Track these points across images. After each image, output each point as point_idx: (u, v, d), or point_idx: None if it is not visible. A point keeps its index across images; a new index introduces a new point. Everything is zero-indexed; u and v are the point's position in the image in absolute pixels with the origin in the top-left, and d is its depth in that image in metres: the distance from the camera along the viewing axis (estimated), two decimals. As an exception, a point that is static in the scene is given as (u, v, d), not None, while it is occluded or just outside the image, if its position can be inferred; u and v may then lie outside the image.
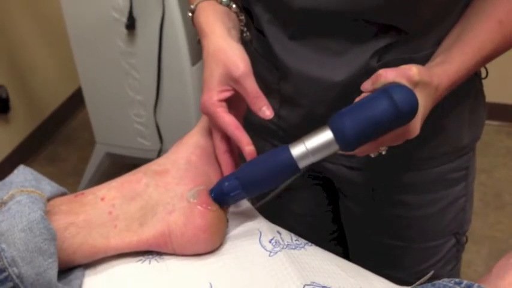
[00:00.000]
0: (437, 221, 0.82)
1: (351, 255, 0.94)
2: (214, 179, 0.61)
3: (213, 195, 0.58)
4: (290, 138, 0.58)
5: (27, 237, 0.46)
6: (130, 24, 1.64)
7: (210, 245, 0.57)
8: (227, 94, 0.61)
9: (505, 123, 2.37)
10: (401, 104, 0.54)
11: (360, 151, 0.59)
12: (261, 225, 0.61)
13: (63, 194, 0.56)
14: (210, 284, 0.52)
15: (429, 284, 0.43)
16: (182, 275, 0.54)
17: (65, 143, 2.48)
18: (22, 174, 0.53)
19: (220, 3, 0.67)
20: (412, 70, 0.57)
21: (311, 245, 0.61)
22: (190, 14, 0.68)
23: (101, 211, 0.54)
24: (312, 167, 0.75)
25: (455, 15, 0.68)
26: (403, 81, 0.57)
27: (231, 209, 0.64)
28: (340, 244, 0.97)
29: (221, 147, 0.61)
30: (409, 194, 0.80)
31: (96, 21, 1.71)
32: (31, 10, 2.32)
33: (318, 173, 0.86)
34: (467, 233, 0.87)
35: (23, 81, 2.32)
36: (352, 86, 0.65)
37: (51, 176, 0.57)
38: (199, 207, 0.56)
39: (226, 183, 0.57)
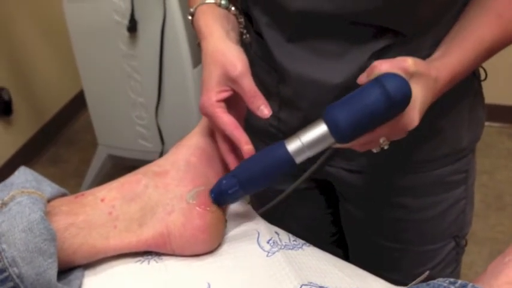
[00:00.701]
0: (436, 224, 0.82)
1: (351, 258, 0.94)
2: (213, 180, 0.61)
3: (213, 195, 0.58)
4: (290, 141, 0.59)
5: (28, 238, 0.46)
6: (132, 27, 1.65)
7: (209, 245, 0.57)
8: (225, 94, 0.61)
9: (507, 124, 2.36)
10: (393, 92, 0.53)
11: (358, 144, 0.59)
12: (259, 225, 0.62)
13: (63, 195, 0.57)
14: (208, 284, 0.52)
15: (424, 284, 0.43)
16: (181, 275, 0.54)
17: (67, 145, 2.48)
18: (23, 175, 0.53)
19: (219, 6, 0.67)
20: (407, 61, 0.58)
21: (309, 246, 0.61)
22: (190, 17, 0.68)
23: (100, 212, 0.55)
24: (313, 172, 0.75)
25: (453, 16, 0.68)
26: (398, 72, 0.56)
27: (230, 210, 0.64)
28: (340, 246, 0.96)
29: (225, 147, 0.61)
30: (409, 196, 0.80)
31: (98, 24, 1.71)
32: (33, 13, 2.33)
33: (318, 176, 0.86)
34: (468, 235, 0.87)
35: (25, 83, 2.33)
36: (350, 88, 0.65)
37: (54, 178, 0.57)
38: (198, 208, 0.57)
39: (224, 181, 0.58)
